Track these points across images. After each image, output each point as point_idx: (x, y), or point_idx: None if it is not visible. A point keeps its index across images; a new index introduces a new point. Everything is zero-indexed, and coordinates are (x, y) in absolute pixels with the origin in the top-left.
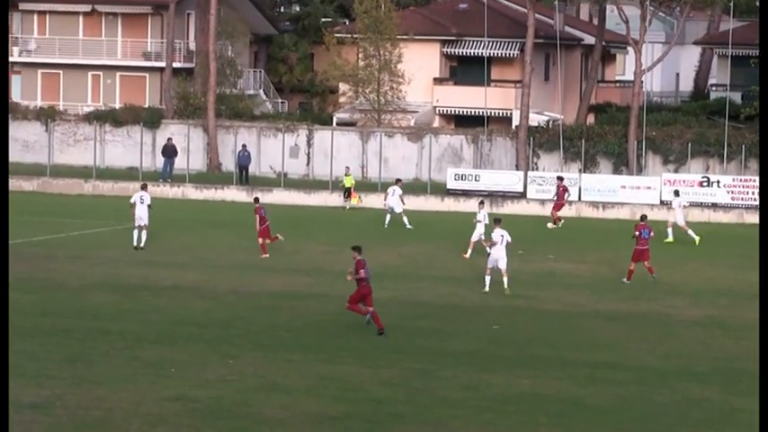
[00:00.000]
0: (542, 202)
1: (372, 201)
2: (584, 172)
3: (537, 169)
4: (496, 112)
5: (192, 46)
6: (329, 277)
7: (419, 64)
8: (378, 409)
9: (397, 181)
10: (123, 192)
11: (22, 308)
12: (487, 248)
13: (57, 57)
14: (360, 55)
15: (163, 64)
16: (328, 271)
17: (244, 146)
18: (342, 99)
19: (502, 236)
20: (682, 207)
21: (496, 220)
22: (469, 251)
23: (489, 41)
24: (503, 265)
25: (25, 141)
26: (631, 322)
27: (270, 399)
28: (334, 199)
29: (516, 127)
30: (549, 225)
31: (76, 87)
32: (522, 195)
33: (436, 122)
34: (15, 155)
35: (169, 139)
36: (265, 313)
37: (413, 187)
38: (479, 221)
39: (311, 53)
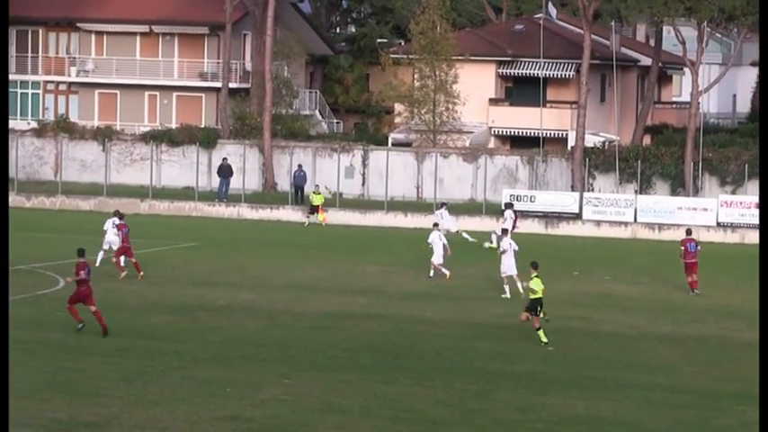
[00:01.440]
0: (598, 223)
1: (427, 222)
2: (641, 193)
3: (592, 190)
4: (552, 132)
5: (249, 66)
6: (384, 297)
7: (475, 84)
8: (433, 429)
9: (443, 205)
10: (179, 211)
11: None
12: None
13: (114, 77)
14: (415, 75)
15: (219, 84)
16: (384, 291)
17: (299, 166)
18: (397, 119)
19: (510, 244)
20: None
21: (504, 231)
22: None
23: (545, 62)
24: (514, 271)
25: (82, 161)
26: (688, 344)
27: (325, 419)
28: (389, 219)
29: (572, 148)
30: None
31: (133, 107)
32: (577, 216)
33: (491, 143)
34: (73, 174)
35: (225, 159)
36: (321, 333)
37: (468, 208)
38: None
39: (367, 74)
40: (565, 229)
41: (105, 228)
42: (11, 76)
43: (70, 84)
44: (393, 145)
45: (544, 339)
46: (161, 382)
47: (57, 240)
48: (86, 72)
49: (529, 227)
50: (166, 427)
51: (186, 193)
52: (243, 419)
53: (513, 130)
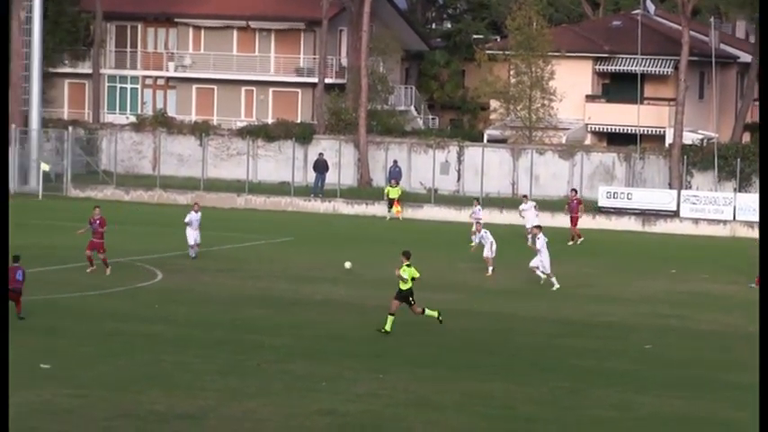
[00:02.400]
0: (696, 221)
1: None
2: (739, 191)
3: (690, 188)
4: (649, 129)
5: (345, 62)
6: (479, 294)
7: (571, 81)
8: (527, 427)
9: (524, 197)
10: (275, 206)
11: (175, 319)
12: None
13: (211, 72)
14: (511, 72)
15: (315, 80)
16: (479, 288)
17: (395, 162)
18: (493, 116)
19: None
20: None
21: (538, 227)
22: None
23: (642, 59)
24: (547, 264)
25: (180, 155)
26: None
27: (419, 414)
28: (484, 216)
29: (670, 145)
30: (570, 243)
31: (230, 102)
32: (675, 214)
33: (588, 140)
34: (170, 169)
35: (320, 154)
36: (415, 329)
37: (563, 204)
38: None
39: (462, 70)
40: (662, 226)
41: (187, 221)
42: (110, 71)
43: (168, 79)
44: (488, 141)
45: (387, 329)
46: (257, 375)
47: (155, 234)
48: (184, 67)
49: (625, 224)
50: (262, 419)
51: (282, 188)
52: (338, 414)
53: (609, 127)
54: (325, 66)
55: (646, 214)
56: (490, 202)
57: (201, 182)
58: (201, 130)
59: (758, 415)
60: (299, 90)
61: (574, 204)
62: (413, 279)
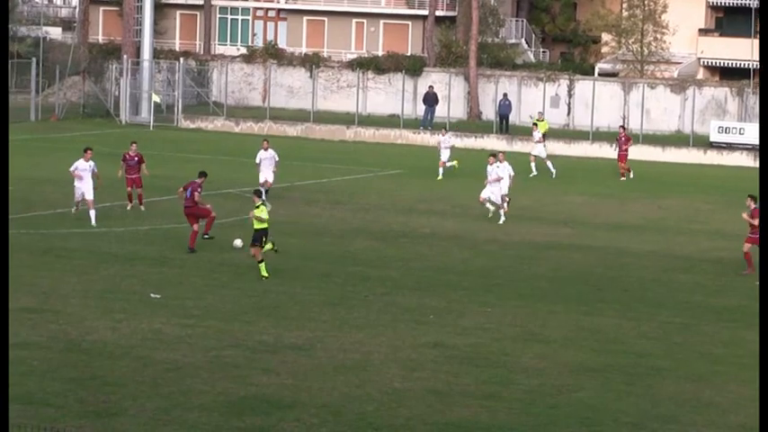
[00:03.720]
0: None
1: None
2: None
3: None
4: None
5: None
6: (590, 228)
7: (684, 14)
8: (637, 362)
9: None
10: (384, 138)
11: (286, 251)
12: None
13: (322, 4)
14: (624, 5)
15: (426, 12)
16: (589, 222)
17: (505, 95)
18: (604, 49)
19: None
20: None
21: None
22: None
23: None
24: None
25: (290, 87)
26: None
27: (527, 348)
28: (594, 150)
29: None
30: (623, 179)
31: (340, 34)
32: None
33: (700, 74)
34: (280, 100)
35: (430, 87)
36: (525, 263)
37: (675, 139)
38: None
39: (574, 3)
40: None
41: (257, 161)
42: (222, 2)
43: (279, 10)
44: (599, 75)
45: (265, 274)
46: (364, 307)
47: None
48: None
49: (737, 160)
50: (370, 351)
51: (391, 121)
52: (445, 346)
53: (722, 62)
54: None
55: (758, 149)
56: (600, 136)
57: (311, 114)
58: (312, 62)
59: (758, 415)
60: (409, 22)
61: (622, 140)
62: (259, 219)
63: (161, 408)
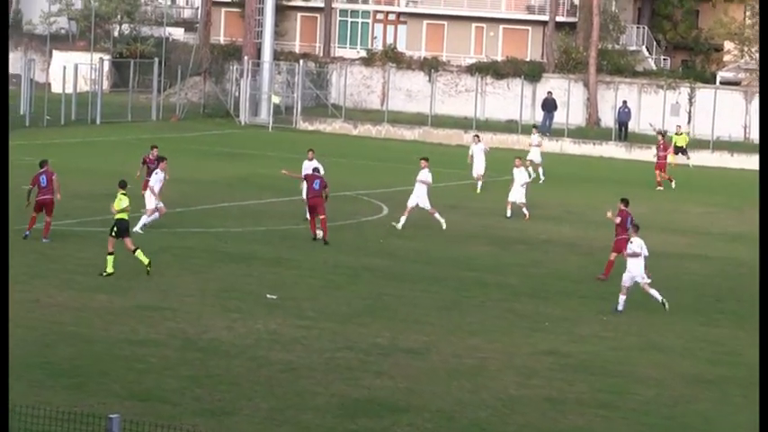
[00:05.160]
0: None
1: (754, 163)
2: None
3: None
4: None
5: (576, 0)
6: (707, 238)
7: None
8: (753, 374)
9: (476, 137)
10: (502, 144)
11: (404, 254)
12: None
13: (442, 8)
14: (747, 13)
15: (546, 17)
16: (707, 232)
17: (624, 102)
18: (726, 57)
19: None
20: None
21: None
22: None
23: None
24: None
25: (408, 90)
26: None
27: (644, 357)
28: (715, 159)
29: None
30: (659, 188)
31: (460, 39)
32: None
33: None
34: (399, 104)
35: (549, 92)
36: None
37: None
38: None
39: (696, 10)
40: None
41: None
42: (342, 5)
43: (399, 14)
44: (721, 83)
45: (145, 261)
46: (480, 312)
47: (381, 169)
48: (415, 2)
49: None
50: (484, 357)
51: (509, 126)
52: (561, 354)
53: None
54: (557, 3)
55: None
56: (720, 145)
57: (429, 118)
58: (431, 66)
59: (758, 415)
60: (529, 28)
61: (661, 147)
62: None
63: (275, 408)
